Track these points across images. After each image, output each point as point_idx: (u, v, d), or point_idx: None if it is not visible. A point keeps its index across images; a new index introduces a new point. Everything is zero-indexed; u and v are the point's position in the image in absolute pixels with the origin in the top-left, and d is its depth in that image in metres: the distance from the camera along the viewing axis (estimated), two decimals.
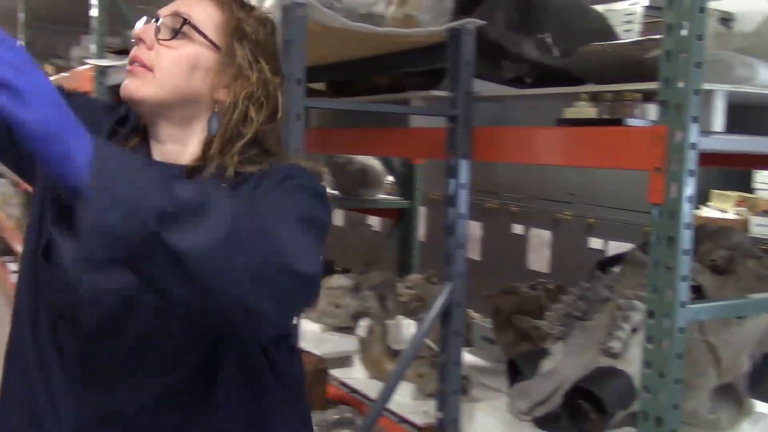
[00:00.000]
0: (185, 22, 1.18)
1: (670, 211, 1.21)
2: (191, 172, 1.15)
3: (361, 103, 2.21)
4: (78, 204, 0.81)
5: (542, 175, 4.26)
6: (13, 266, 6.80)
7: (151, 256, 0.85)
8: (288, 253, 0.94)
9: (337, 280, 2.66)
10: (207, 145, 1.18)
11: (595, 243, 3.97)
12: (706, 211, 3.73)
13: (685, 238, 1.20)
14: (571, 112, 1.55)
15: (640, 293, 1.66)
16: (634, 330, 1.65)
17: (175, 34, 1.18)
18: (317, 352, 2.28)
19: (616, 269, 1.88)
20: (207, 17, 1.21)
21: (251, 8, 1.26)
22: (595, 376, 1.62)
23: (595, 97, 1.55)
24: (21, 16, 6.30)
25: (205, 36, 1.19)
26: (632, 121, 1.39)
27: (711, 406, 1.62)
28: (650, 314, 1.25)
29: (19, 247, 5.62)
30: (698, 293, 1.64)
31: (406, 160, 3.34)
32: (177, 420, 1.12)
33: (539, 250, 4.29)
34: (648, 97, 1.47)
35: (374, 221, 5.44)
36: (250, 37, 1.23)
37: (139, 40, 1.18)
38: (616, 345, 1.63)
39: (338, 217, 5.90)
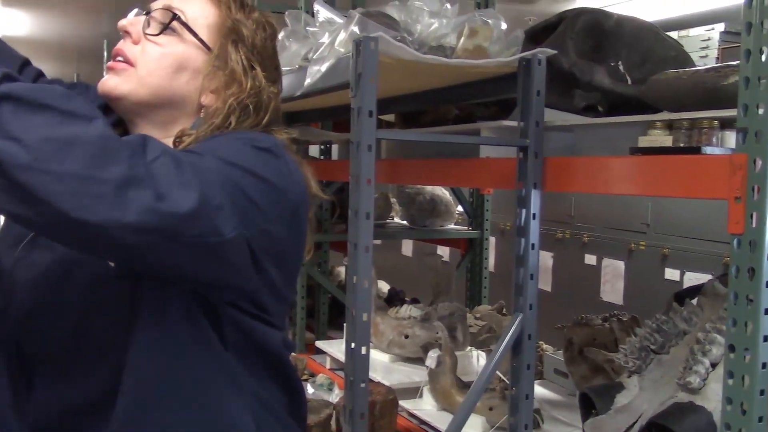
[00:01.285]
0: (174, 17, 1.10)
1: (750, 241, 1.17)
2: None
3: (432, 134, 2.22)
4: None
5: (616, 205, 4.19)
6: None
7: None
8: (137, 172, 0.83)
9: (406, 311, 2.66)
10: (179, 141, 1.08)
11: (671, 274, 3.87)
12: None
13: None
14: (645, 141, 1.52)
15: (719, 326, 1.61)
16: (714, 365, 1.59)
17: (164, 28, 1.10)
18: (386, 382, 2.27)
19: (694, 301, 1.82)
20: (201, 15, 1.13)
21: (251, 9, 1.18)
22: (673, 411, 1.57)
23: (670, 126, 1.51)
24: (105, 53, 6.54)
25: (195, 34, 1.11)
26: (710, 150, 1.36)
27: None
28: (731, 348, 1.21)
29: None
30: None
31: (476, 190, 3.33)
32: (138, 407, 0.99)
33: (613, 281, 4.20)
34: (725, 124, 1.43)
35: (444, 252, 5.43)
36: (246, 40, 1.14)
37: (125, 33, 1.11)
38: (694, 380, 1.58)
39: (408, 247, 5.91)
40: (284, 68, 2.32)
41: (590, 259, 4.38)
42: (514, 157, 1.77)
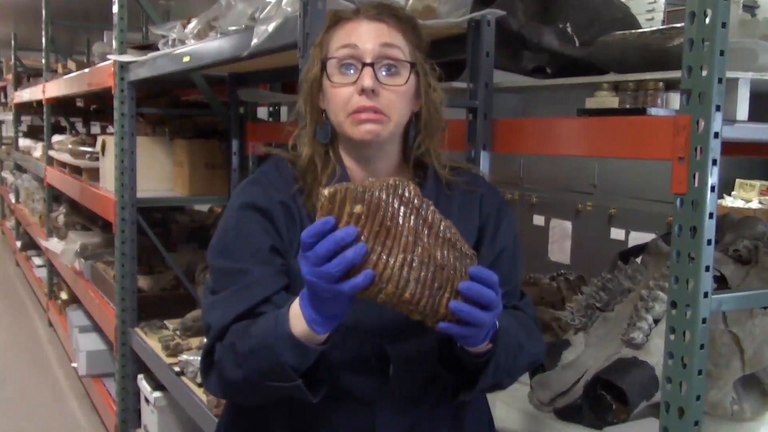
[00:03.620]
0: (413, 67, 1.26)
1: (693, 200, 1.20)
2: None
3: None
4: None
5: (563, 166, 4.24)
6: (38, 260, 6.87)
7: None
8: None
9: None
10: (408, 149, 1.31)
11: (616, 234, 3.94)
12: (730, 201, 3.69)
13: (709, 228, 1.19)
14: (592, 102, 1.54)
15: (662, 284, 1.64)
16: (657, 321, 1.64)
17: (406, 81, 1.24)
18: None
19: (638, 260, 1.86)
20: (406, 44, 1.26)
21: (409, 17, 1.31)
22: (617, 367, 1.61)
23: (617, 87, 1.53)
24: (44, 12, 6.36)
25: (417, 70, 1.27)
26: (655, 111, 1.38)
27: (734, 398, 1.60)
28: (673, 305, 1.24)
29: (42, 242, 5.69)
30: (722, 284, 1.63)
31: None
32: None
33: (560, 241, 4.27)
34: (671, 86, 1.45)
35: None
36: (423, 43, 1.31)
37: (364, 91, 1.22)
38: (638, 336, 1.62)
39: None
40: (230, 28, 2.28)
41: (539, 220, 4.44)
42: (464, 118, 1.78)
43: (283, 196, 1.28)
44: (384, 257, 1.01)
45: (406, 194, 1.03)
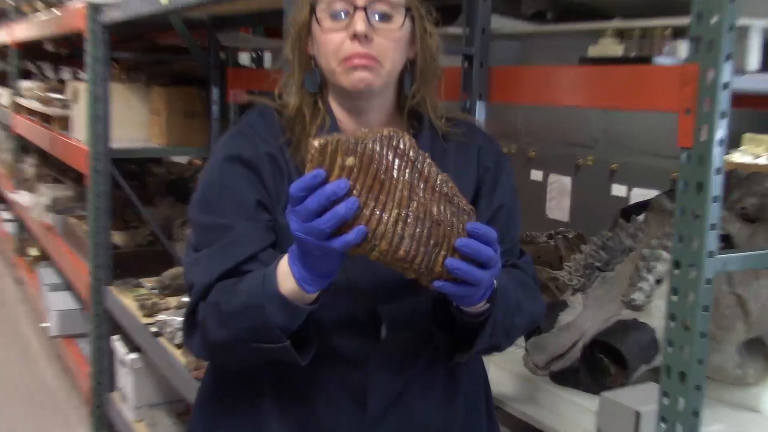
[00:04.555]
0: (408, 11, 1.24)
1: (699, 155, 1.20)
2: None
3: None
4: None
5: (563, 118, 4.23)
6: (6, 214, 6.85)
7: None
8: None
9: None
10: (402, 98, 1.31)
11: (618, 190, 3.95)
12: (738, 156, 3.70)
13: (715, 184, 1.20)
14: (595, 50, 1.53)
15: (665, 242, 1.66)
16: (658, 281, 1.65)
17: (401, 26, 1.23)
18: None
19: (640, 218, 1.87)
20: None
21: None
22: (616, 329, 1.63)
23: (621, 34, 1.52)
24: None
25: (413, 15, 1.25)
26: (661, 60, 1.37)
27: (738, 361, 1.63)
28: (676, 264, 1.25)
29: (10, 195, 5.66)
30: (727, 243, 1.64)
31: None
32: None
33: (559, 197, 4.28)
34: (678, 33, 1.45)
35: None
36: None
37: (357, 37, 1.20)
38: (638, 297, 1.64)
39: None
40: None
41: (536, 175, 4.44)
42: (458, 66, 1.77)
43: (270, 147, 1.27)
44: (377, 212, 1.01)
45: (401, 146, 1.03)
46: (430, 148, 1.28)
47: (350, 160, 1.00)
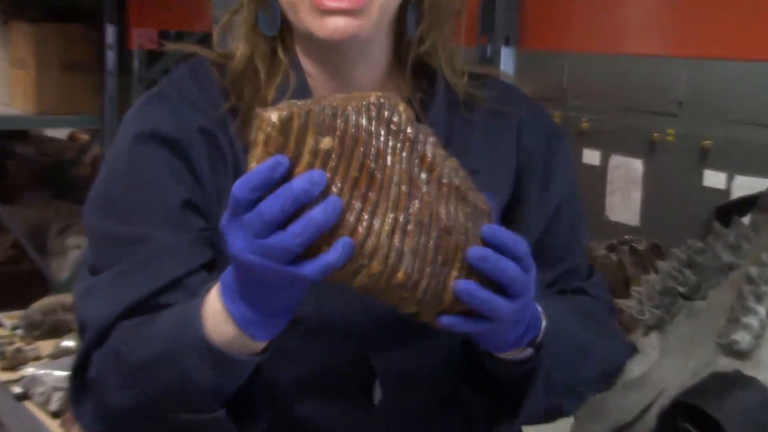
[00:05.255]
0: None
1: None
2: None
3: None
4: None
5: (631, 73, 4.25)
6: None
7: None
8: None
9: None
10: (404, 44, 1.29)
11: (713, 179, 3.98)
12: None
13: None
14: None
15: None
16: None
17: None
18: None
19: (745, 220, 1.89)
20: None
21: None
22: (710, 386, 1.64)
23: None
24: None
25: None
26: None
27: None
28: None
29: None
30: None
31: None
32: None
33: (625, 189, 4.31)
34: None
35: None
36: None
37: None
38: (742, 338, 1.65)
39: None
40: None
41: (591, 156, 4.46)
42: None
43: (206, 120, 1.25)
44: (366, 218, 0.95)
45: (395, 118, 0.99)
46: (447, 120, 1.27)
47: (326, 141, 0.94)
